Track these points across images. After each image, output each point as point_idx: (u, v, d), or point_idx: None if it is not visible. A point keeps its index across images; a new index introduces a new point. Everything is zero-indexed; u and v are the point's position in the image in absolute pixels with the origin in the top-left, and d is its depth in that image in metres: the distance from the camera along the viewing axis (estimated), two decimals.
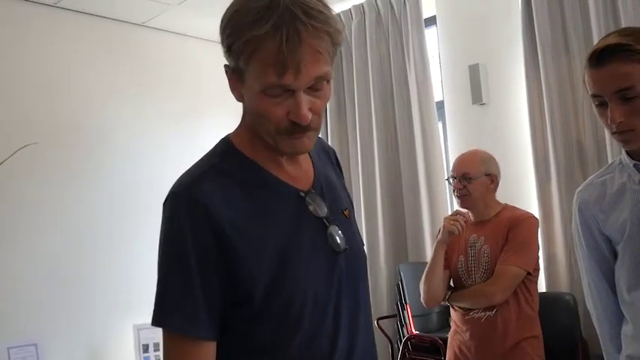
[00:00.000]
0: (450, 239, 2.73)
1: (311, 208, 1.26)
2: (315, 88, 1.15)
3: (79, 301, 4.47)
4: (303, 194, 1.26)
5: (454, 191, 2.80)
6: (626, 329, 1.75)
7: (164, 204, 1.19)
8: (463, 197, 2.74)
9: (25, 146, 4.08)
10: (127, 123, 4.95)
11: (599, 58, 1.56)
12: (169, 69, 5.31)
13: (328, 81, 1.17)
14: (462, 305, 2.70)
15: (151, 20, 5.12)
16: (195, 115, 5.36)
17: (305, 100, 1.14)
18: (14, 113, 4.38)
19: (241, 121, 1.29)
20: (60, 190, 4.51)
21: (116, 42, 5.01)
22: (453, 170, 2.80)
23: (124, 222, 4.76)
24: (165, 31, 5.32)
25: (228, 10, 1.16)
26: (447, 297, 2.72)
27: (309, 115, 1.15)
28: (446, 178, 2.88)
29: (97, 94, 4.83)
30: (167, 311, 1.15)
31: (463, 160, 2.80)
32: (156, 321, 1.16)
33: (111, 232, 4.70)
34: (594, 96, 1.61)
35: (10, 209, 4.26)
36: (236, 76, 1.18)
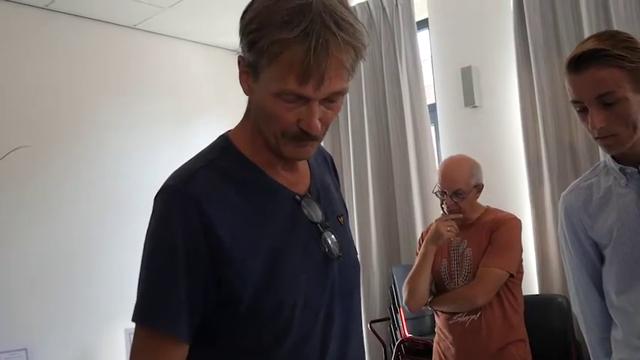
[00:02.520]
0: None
1: (306, 212, 1.24)
2: (330, 100, 1.12)
3: (69, 306, 4.45)
4: (298, 198, 1.24)
5: (442, 205, 2.72)
6: (616, 334, 1.75)
7: (156, 196, 1.16)
8: (454, 212, 2.67)
9: (17, 149, 4.07)
10: (118, 126, 4.93)
11: (577, 63, 1.55)
12: (161, 72, 5.31)
13: (343, 95, 1.14)
14: (444, 309, 2.67)
15: (143, 23, 5.10)
16: (187, 118, 5.35)
17: (318, 110, 1.11)
18: (5, 115, 4.36)
19: (244, 117, 1.26)
20: (51, 194, 4.49)
21: (107, 44, 5.00)
22: (443, 186, 2.68)
23: (116, 225, 4.74)
24: (157, 33, 5.31)
25: (258, 3, 1.11)
26: (429, 301, 2.68)
27: (319, 126, 1.12)
28: (434, 191, 2.74)
29: (88, 96, 4.81)
30: (152, 308, 1.13)
31: (453, 176, 2.66)
32: (139, 317, 1.13)
33: (102, 236, 4.68)
34: (575, 102, 1.60)
35: (0, 212, 4.23)
36: (251, 71, 1.14)
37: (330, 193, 1.36)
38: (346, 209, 1.43)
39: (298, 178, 1.28)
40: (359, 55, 1.10)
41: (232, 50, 5.81)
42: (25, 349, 4.11)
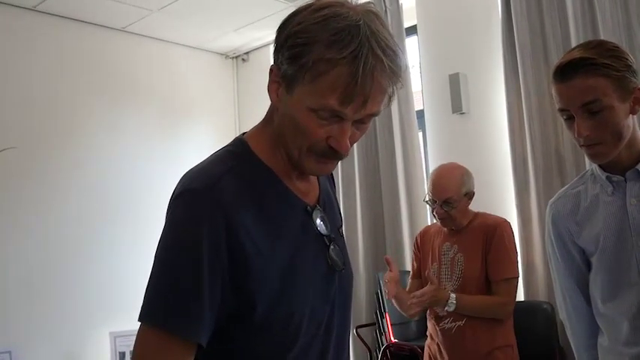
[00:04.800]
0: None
1: (316, 224, 1.24)
2: (362, 121, 1.13)
3: (54, 308, 4.42)
4: (310, 209, 1.24)
5: (434, 214, 2.75)
6: (602, 340, 1.76)
7: (178, 198, 1.13)
8: (445, 220, 2.71)
9: (2, 150, 4.04)
10: (106, 128, 4.92)
11: (564, 72, 1.57)
12: (149, 74, 5.30)
13: (375, 117, 1.15)
14: (471, 314, 2.62)
15: (131, 25, 5.10)
16: (176, 121, 5.34)
17: (350, 130, 1.12)
18: None
19: (264, 122, 1.25)
20: (37, 196, 4.47)
21: (96, 46, 4.99)
22: (434, 195, 2.70)
23: (101, 228, 4.72)
24: (146, 36, 5.30)
25: (303, 16, 1.10)
26: (454, 304, 2.58)
27: (349, 145, 1.13)
28: (425, 199, 2.78)
29: (76, 98, 4.79)
30: (172, 310, 1.08)
31: (443, 185, 2.68)
32: (155, 318, 1.08)
33: (89, 239, 4.66)
34: (561, 110, 1.62)
35: None
36: (284, 83, 1.13)
37: (332, 204, 1.37)
38: (342, 218, 1.44)
39: (309, 188, 1.28)
40: (398, 82, 1.11)
41: (221, 54, 5.82)
42: (10, 352, 4.08)
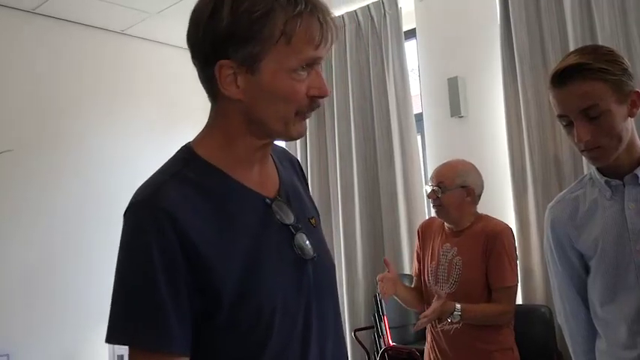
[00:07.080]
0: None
1: (277, 215, 1.23)
2: (317, 62, 1.19)
3: (53, 312, 4.42)
4: (269, 201, 1.24)
5: (429, 198, 2.82)
6: (600, 344, 1.77)
7: (125, 213, 1.14)
8: (437, 207, 2.75)
9: (0, 153, 4.04)
10: (103, 131, 4.92)
11: (561, 78, 1.58)
12: (147, 77, 5.30)
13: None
14: (473, 322, 2.63)
15: (130, 28, 5.10)
16: (173, 124, 5.34)
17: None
18: None
19: (209, 128, 1.26)
20: (34, 199, 4.47)
21: (94, 49, 4.99)
22: (431, 178, 2.82)
23: (99, 231, 4.71)
24: (144, 39, 5.30)
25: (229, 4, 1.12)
26: (460, 315, 2.58)
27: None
28: (426, 183, 2.89)
29: (73, 101, 4.79)
30: (137, 327, 1.08)
31: (440, 170, 2.81)
32: (123, 339, 1.09)
33: (85, 241, 4.66)
34: (560, 116, 1.63)
35: None
36: (246, 66, 1.13)
37: (299, 195, 1.35)
38: (317, 212, 1.42)
39: (267, 181, 1.27)
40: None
41: None
42: (7, 355, 4.08)
